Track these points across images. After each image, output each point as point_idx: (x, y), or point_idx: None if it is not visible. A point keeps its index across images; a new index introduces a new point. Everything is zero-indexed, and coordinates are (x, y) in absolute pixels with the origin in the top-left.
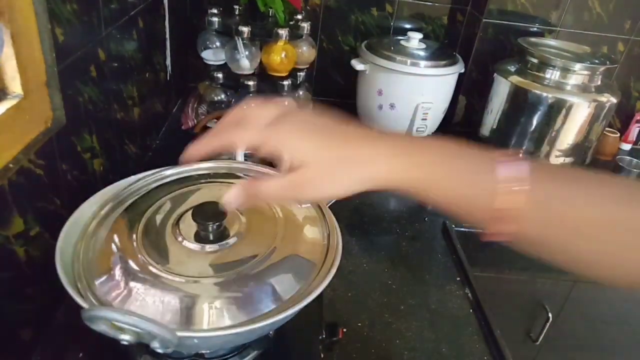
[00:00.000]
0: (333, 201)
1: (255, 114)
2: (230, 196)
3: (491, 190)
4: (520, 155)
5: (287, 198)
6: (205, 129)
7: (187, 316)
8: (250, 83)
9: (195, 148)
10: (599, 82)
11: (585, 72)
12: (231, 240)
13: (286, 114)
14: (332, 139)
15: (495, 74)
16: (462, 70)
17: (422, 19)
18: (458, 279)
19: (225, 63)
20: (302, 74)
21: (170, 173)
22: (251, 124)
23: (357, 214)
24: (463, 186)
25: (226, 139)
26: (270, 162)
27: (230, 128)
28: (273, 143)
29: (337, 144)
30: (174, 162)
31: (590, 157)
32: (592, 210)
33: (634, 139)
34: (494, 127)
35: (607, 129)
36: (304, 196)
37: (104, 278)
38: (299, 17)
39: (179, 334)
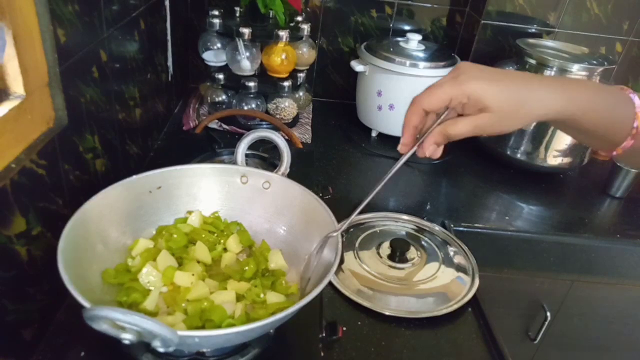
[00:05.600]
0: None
1: (434, 87)
2: (428, 142)
3: (631, 114)
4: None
5: (473, 134)
6: (207, 129)
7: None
8: (251, 84)
9: (408, 137)
10: None
11: (583, 73)
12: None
13: (459, 71)
14: (509, 83)
15: None
16: None
17: (421, 21)
18: None
19: (226, 64)
20: (302, 75)
21: None
22: (442, 90)
23: (358, 214)
24: (609, 114)
25: (425, 104)
26: (272, 163)
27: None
28: (464, 93)
29: (514, 88)
30: (175, 162)
31: (587, 157)
32: None
33: None
34: None
35: None
36: (487, 133)
37: None
38: (299, 18)
39: (180, 333)
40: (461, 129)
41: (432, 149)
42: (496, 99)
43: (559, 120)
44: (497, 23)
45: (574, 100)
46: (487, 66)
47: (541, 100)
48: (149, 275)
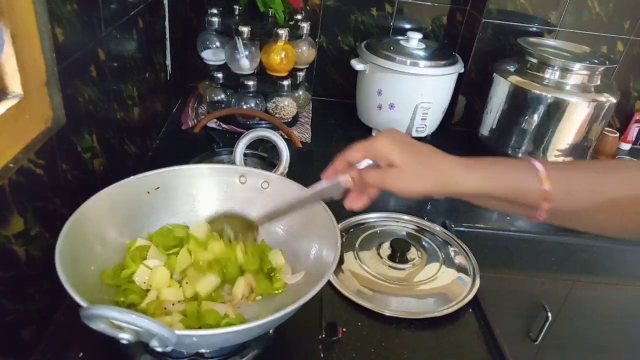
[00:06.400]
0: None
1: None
2: (346, 181)
3: (538, 182)
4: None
5: (382, 187)
6: (206, 129)
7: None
8: (250, 83)
9: (331, 170)
10: (599, 82)
11: (585, 72)
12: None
13: (383, 133)
14: (417, 151)
15: (494, 74)
16: (462, 71)
17: (422, 19)
18: None
19: (226, 63)
20: (302, 74)
21: None
22: (359, 146)
23: (358, 214)
24: (517, 186)
25: (347, 156)
26: (271, 163)
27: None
28: (374, 147)
29: (421, 155)
30: (174, 162)
31: (589, 157)
32: (585, 187)
33: (634, 139)
34: (494, 127)
35: (606, 129)
36: (395, 189)
37: None
38: (299, 17)
39: (178, 332)
40: (372, 177)
41: (346, 181)
42: (402, 158)
43: (473, 195)
44: (499, 22)
45: (477, 171)
46: (407, 137)
47: (441, 164)
48: (144, 276)
